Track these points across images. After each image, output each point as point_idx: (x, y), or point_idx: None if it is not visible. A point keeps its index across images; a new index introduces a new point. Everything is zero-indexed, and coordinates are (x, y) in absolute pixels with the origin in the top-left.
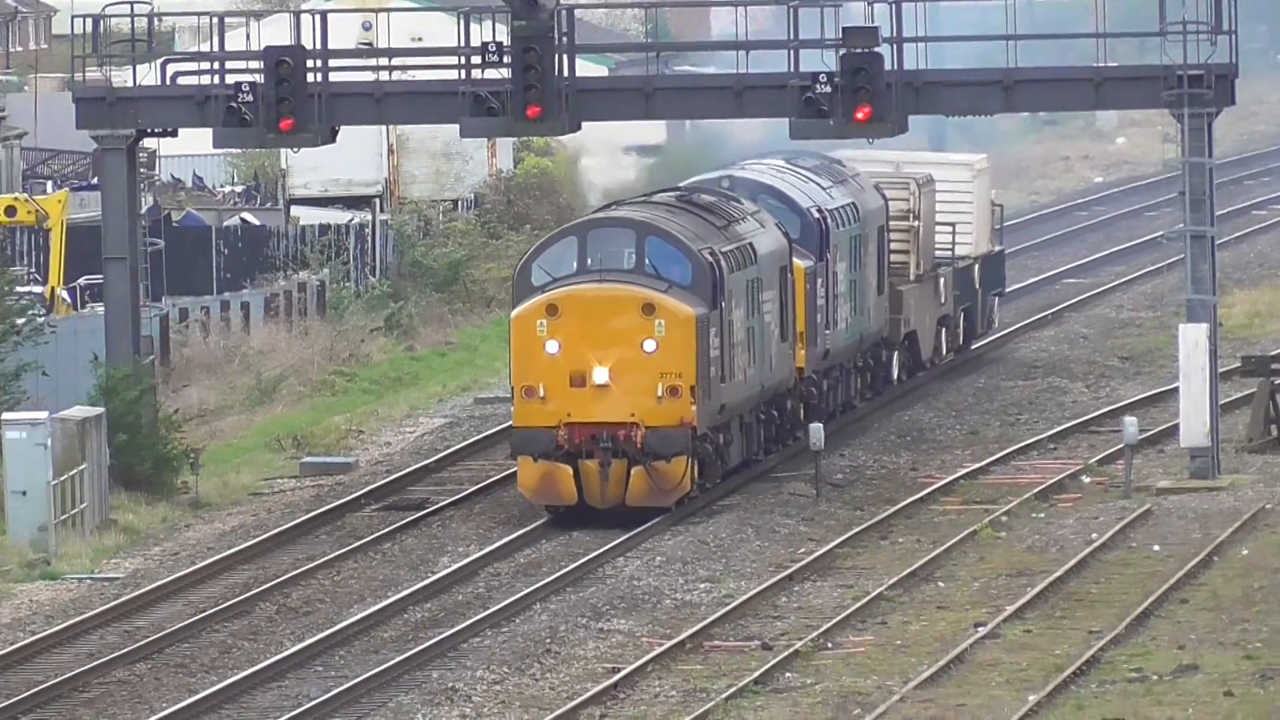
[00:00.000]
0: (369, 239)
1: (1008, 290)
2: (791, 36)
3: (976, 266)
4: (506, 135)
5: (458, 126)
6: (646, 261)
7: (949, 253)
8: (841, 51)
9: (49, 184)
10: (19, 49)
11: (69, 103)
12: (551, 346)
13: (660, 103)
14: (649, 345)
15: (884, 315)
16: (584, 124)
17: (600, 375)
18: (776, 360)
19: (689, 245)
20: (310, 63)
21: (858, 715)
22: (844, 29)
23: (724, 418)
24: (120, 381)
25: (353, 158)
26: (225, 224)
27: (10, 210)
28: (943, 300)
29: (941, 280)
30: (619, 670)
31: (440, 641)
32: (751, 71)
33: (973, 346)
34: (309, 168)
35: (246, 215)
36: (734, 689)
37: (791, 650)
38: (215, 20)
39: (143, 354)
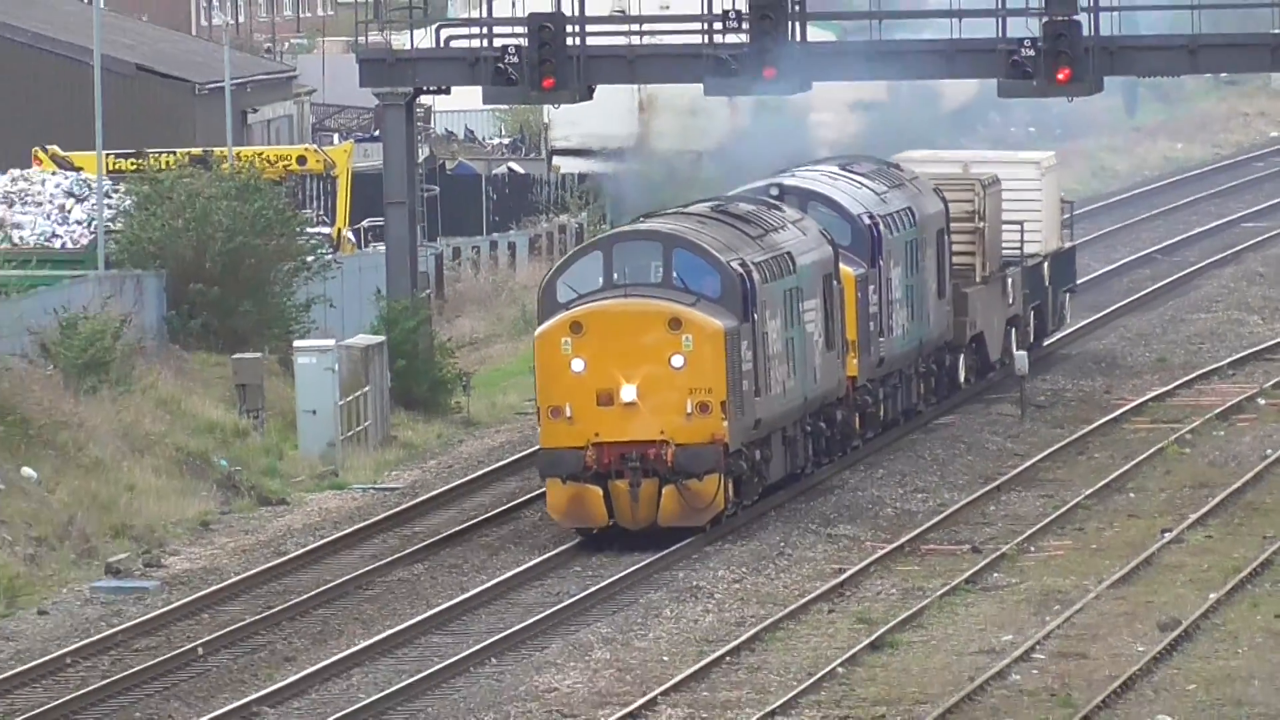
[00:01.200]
0: (621, 184)
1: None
2: (999, 4)
3: (1046, 264)
4: (745, 94)
5: (701, 86)
6: (674, 275)
7: (1017, 252)
8: (1044, 19)
9: (335, 136)
10: (308, 15)
11: (353, 64)
12: (577, 365)
13: (882, 65)
14: (677, 361)
15: (946, 319)
16: (814, 84)
17: (628, 393)
18: (822, 371)
19: (717, 257)
20: (570, 28)
21: (1057, 611)
22: (1043, 3)
23: (760, 432)
24: (400, 313)
25: (608, 113)
26: (494, 172)
27: (301, 160)
28: (1011, 300)
29: (1009, 280)
30: (844, 570)
31: (687, 545)
32: (964, 37)
33: (1044, 344)
34: (569, 122)
35: (513, 164)
36: (947, 587)
37: (998, 553)
38: None
39: (419, 288)
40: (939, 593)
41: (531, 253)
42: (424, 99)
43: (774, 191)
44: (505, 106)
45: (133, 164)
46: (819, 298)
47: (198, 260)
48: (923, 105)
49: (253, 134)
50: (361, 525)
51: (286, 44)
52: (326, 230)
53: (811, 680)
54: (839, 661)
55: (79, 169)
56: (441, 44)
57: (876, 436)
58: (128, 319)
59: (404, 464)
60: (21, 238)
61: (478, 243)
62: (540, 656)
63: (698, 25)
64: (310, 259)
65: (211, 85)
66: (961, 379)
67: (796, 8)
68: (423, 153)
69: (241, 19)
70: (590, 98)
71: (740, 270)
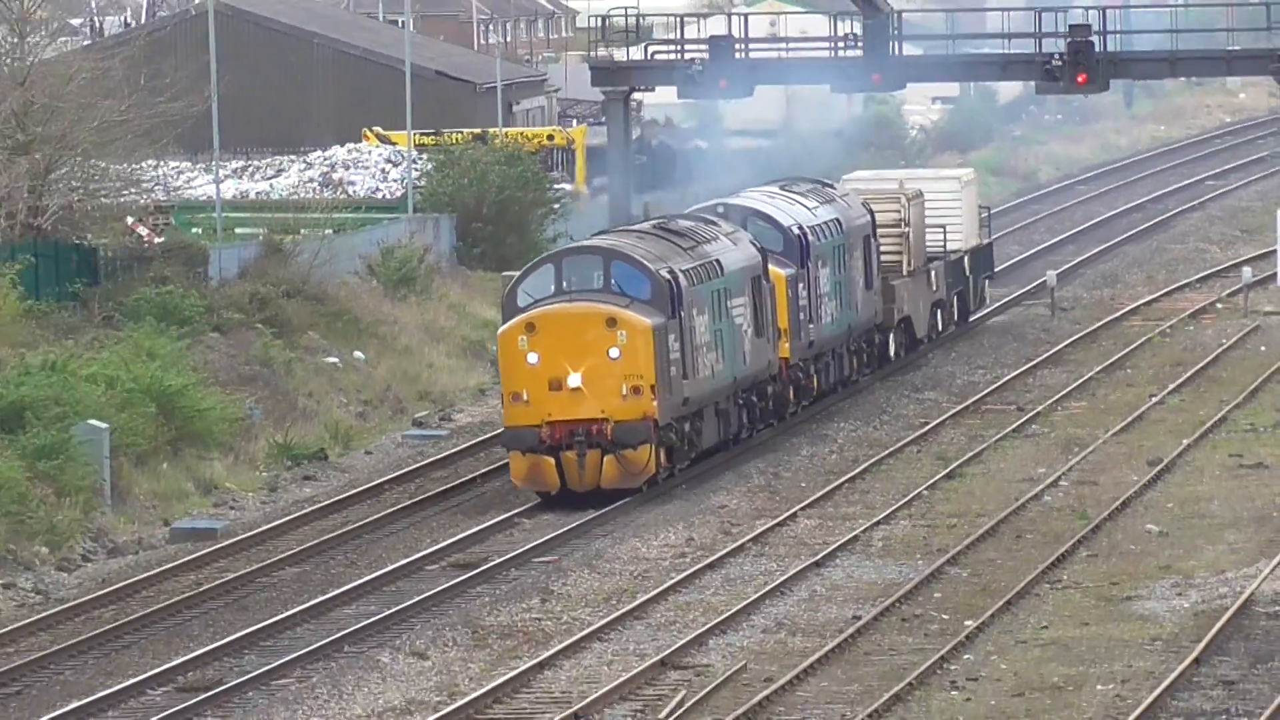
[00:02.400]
0: (768, 156)
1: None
2: (1037, 30)
3: (966, 258)
4: (859, 92)
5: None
6: (612, 282)
7: (941, 249)
8: (1068, 40)
9: (574, 121)
10: (555, 36)
11: (586, 70)
12: (532, 358)
13: (954, 71)
14: (613, 353)
15: (874, 306)
16: (909, 84)
17: (574, 380)
18: (751, 355)
19: (648, 266)
20: (737, 46)
21: (1076, 452)
22: (1070, 25)
23: (689, 409)
24: None
25: (764, 104)
26: (685, 147)
27: (550, 137)
28: (935, 288)
29: (933, 272)
30: (928, 423)
31: (813, 403)
32: (1012, 51)
33: (970, 320)
34: (733, 112)
35: (699, 142)
36: (999, 435)
37: (1035, 411)
38: (678, 18)
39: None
40: (993, 439)
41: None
42: (636, 95)
43: (720, 209)
44: (692, 100)
45: (432, 140)
46: (747, 296)
47: (477, 207)
48: (983, 99)
49: (516, 119)
50: None
51: (540, 56)
52: (569, 186)
53: (904, 500)
54: (923, 487)
55: (395, 143)
56: (648, 57)
57: (812, 403)
58: (428, 248)
59: None
60: (354, 191)
61: (674, 196)
62: (716, 483)
63: (826, 44)
64: (556, 206)
65: (487, 85)
66: (892, 353)
67: (895, 31)
68: (635, 133)
69: (509, 39)
70: (752, 94)
71: (668, 277)
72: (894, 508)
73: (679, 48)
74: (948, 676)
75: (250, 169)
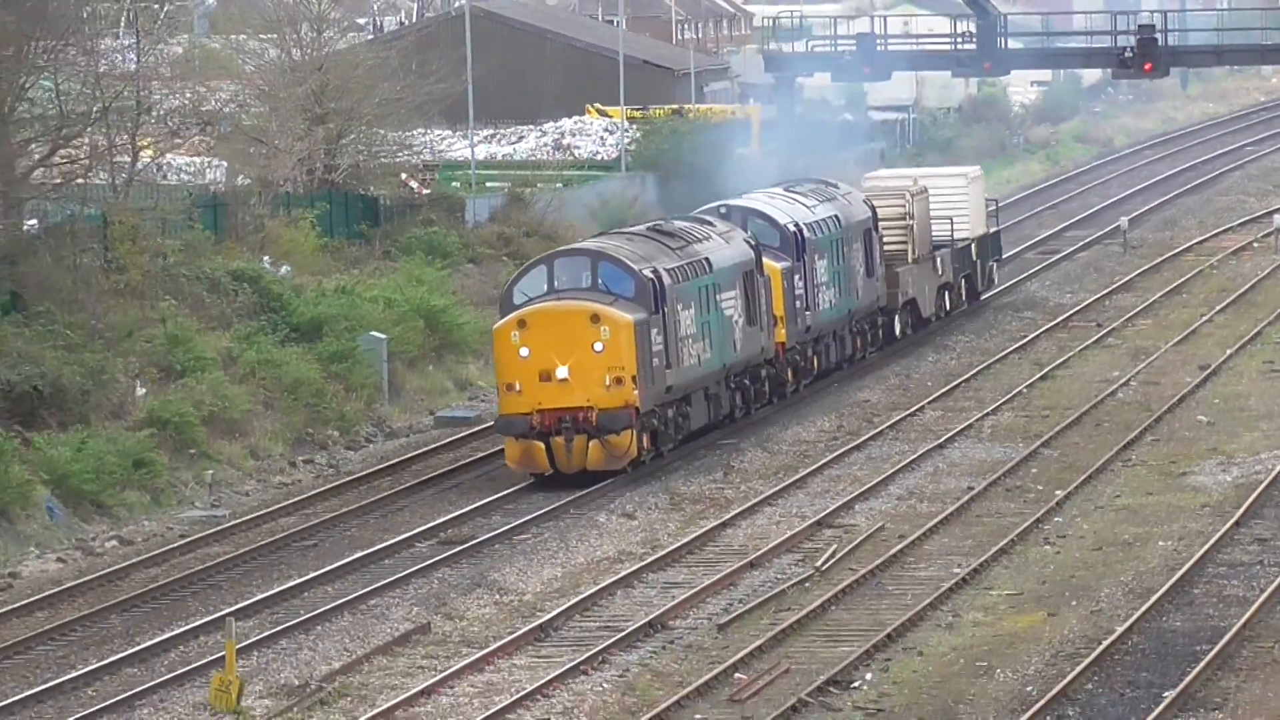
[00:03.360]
0: (907, 127)
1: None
2: (1113, 28)
3: (973, 246)
4: (975, 76)
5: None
6: (599, 281)
7: (948, 237)
8: (1137, 36)
9: (750, 99)
10: (736, 33)
11: (761, 60)
12: (524, 351)
13: (1048, 60)
14: (598, 346)
15: (875, 291)
16: (1012, 71)
17: (562, 372)
18: (743, 342)
19: (632, 266)
20: (879, 43)
21: (1143, 359)
22: (1139, 25)
23: (674, 395)
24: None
25: (898, 86)
26: (837, 120)
27: (733, 113)
28: (941, 273)
29: (939, 259)
30: (1026, 336)
31: (814, 380)
32: (1093, 45)
33: (981, 298)
34: (876, 90)
35: (847, 115)
36: (1083, 345)
37: (1111, 327)
38: (832, 19)
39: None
40: (1078, 348)
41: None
42: (799, 79)
43: (723, 210)
44: (842, 83)
45: (640, 114)
46: (738, 289)
47: (676, 167)
48: (1070, 82)
49: (706, 98)
50: None
51: (725, 49)
52: (744, 150)
53: (1008, 396)
54: (1023, 386)
55: (611, 116)
56: (809, 49)
57: (814, 380)
58: (636, 198)
59: None
60: (579, 154)
61: (827, 159)
62: (860, 382)
63: (948, 38)
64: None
65: (683, 71)
66: (898, 332)
67: (1002, 29)
68: (797, 109)
69: (700, 35)
70: (889, 79)
71: (651, 275)
72: (999, 402)
73: (833, 42)
74: (1041, 535)
75: (497, 136)
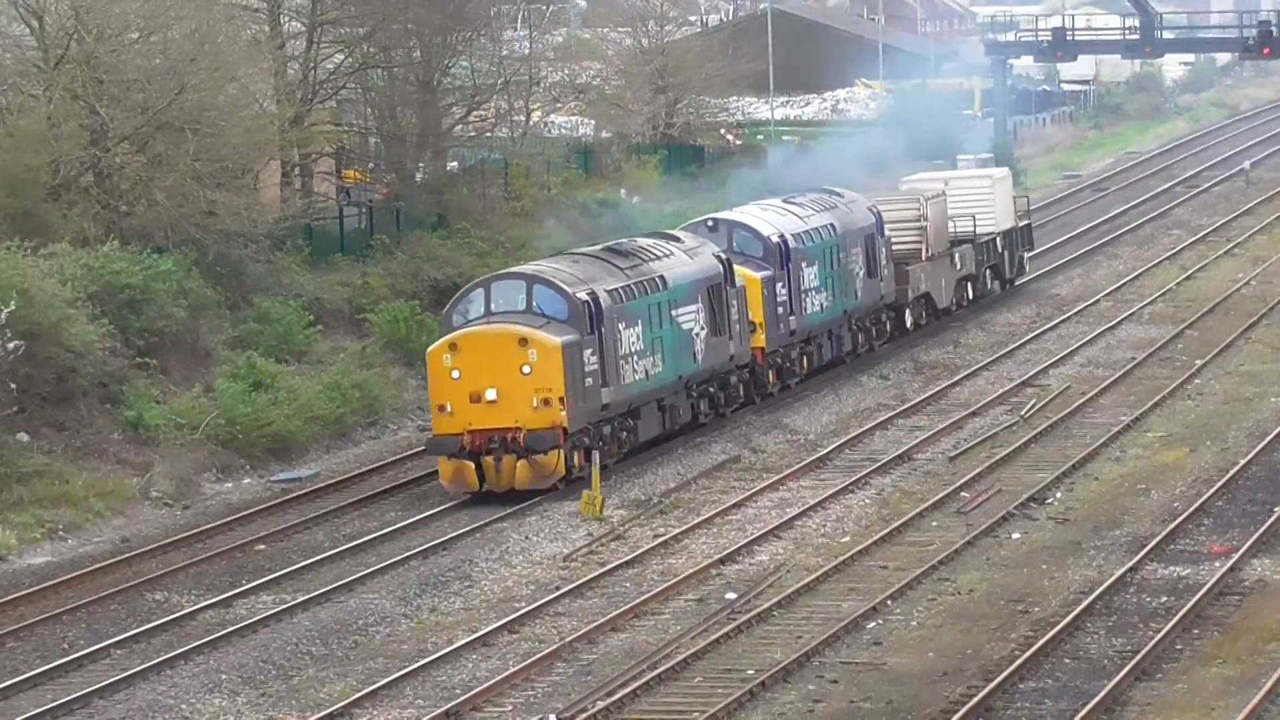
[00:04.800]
0: (1088, 96)
1: None
2: (1240, 23)
3: (998, 239)
4: (1138, 58)
5: (1119, 55)
6: (534, 304)
7: (971, 233)
8: (1257, 28)
9: (973, 75)
10: (962, 27)
11: (981, 46)
12: (455, 374)
13: (1193, 45)
14: (525, 369)
15: (878, 291)
16: (1165, 54)
17: (491, 394)
18: (705, 353)
19: (566, 289)
20: (1067, 32)
21: (1260, 264)
22: (1259, 20)
23: (612, 412)
24: (1002, 145)
25: (1082, 64)
26: (1036, 90)
27: (960, 84)
28: (960, 267)
29: (957, 254)
30: (1174, 248)
31: (808, 377)
32: (1225, 35)
33: (1015, 284)
34: (1066, 68)
35: (1045, 86)
36: (1216, 254)
37: (1237, 241)
38: (1034, 16)
39: (1007, 141)
40: (1212, 256)
41: (1054, 121)
42: (1010, 60)
43: (710, 223)
44: (1041, 64)
45: (891, 87)
46: (699, 303)
47: (919, 124)
48: (1208, 62)
49: (941, 74)
50: None
51: (956, 39)
52: (970, 112)
53: (1161, 291)
54: (1172, 283)
55: (873, 88)
56: (1016, 38)
57: (806, 378)
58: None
59: None
60: (849, 115)
61: (1029, 118)
62: (1052, 280)
63: (1119, 30)
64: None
65: (925, 55)
66: (910, 324)
67: (1158, 23)
68: (1009, 82)
69: (937, 28)
70: (1076, 59)
71: (586, 298)
72: (1154, 296)
73: (1035, 33)
74: (1184, 392)
75: (790, 101)
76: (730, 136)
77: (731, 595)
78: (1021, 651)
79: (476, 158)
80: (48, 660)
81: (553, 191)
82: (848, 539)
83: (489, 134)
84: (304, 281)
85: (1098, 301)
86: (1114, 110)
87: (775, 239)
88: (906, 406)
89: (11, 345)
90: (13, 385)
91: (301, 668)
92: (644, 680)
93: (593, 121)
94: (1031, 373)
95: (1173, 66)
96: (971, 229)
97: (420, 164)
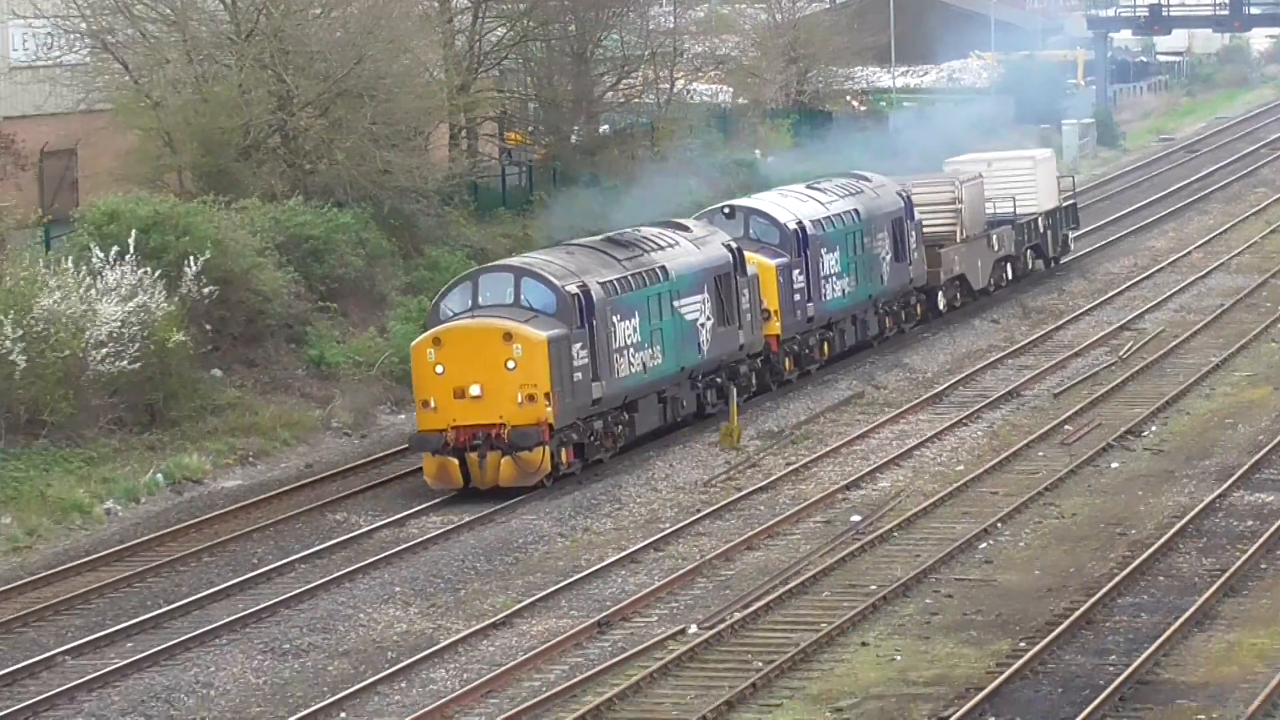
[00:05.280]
0: (1181, 67)
1: None
2: None
3: (1039, 220)
4: (1228, 31)
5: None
6: (522, 297)
7: (1011, 214)
8: None
9: (1078, 47)
10: (1066, 3)
11: (1084, 21)
12: (439, 369)
13: (1277, 20)
14: (510, 365)
15: (906, 275)
16: (1254, 28)
17: (475, 389)
18: (712, 343)
19: (554, 282)
20: (1163, 9)
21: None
22: None
23: (605, 406)
24: (1102, 111)
25: (1176, 39)
26: (1133, 61)
27: (1065, 57)
28: (998, 248)
29: (995, 235)
30: (1259, 205)
31: (828, 364)
32: None
33: (1062, 261)
34: (1161, 41)
35: (1142, 57)
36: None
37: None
38: None
39: (1107, 106)
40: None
41: (1150, 90)
42: (1110, 34)
43: (726, 210)
44: (1138, 36)
45: (1001, 57)
46: (705, 293)
47: (1026, 91)
48: None
49: (1048, 46)
50: None
51: (1058, 15)
52: (1073, 80)
53: (1248, 244)
54: (1257, 236)
55: (986, 59)
56: (1115, 14)
57: (827, 363)
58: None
59: None
60: (963, 83)
61: (1130, 86)
62: (1147, 234)
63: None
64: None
65: (1034, 29)
66: (942, 306)
67: (1246, 1)
68: (1108, 53)
69: (1043, 3)
70: (1170, 34)
71: (576, 290)
72: (1242, 248)
73: (1133, 9)
74: (1269, 335)
75: (910, 71)
76: (855, 103)
77: (856, 518)
78: (1119, 570)
79: (625, 122)
80: (239, 574)
81: (694, 152)
82: (961, 467)
83: (636, 100)
84: (469, 233)
85: (1189, 253)
86: (1205, 79)
87: (792, 226)
88: (1015, 347)
89: (207, 290)
90: (208, 326)
91: (467, 581)
92: (776, 594)
93: (731, 89)
94: (1129, 317)
95: (1259, 39)
96: (1012, 210)
97: (575, 127)
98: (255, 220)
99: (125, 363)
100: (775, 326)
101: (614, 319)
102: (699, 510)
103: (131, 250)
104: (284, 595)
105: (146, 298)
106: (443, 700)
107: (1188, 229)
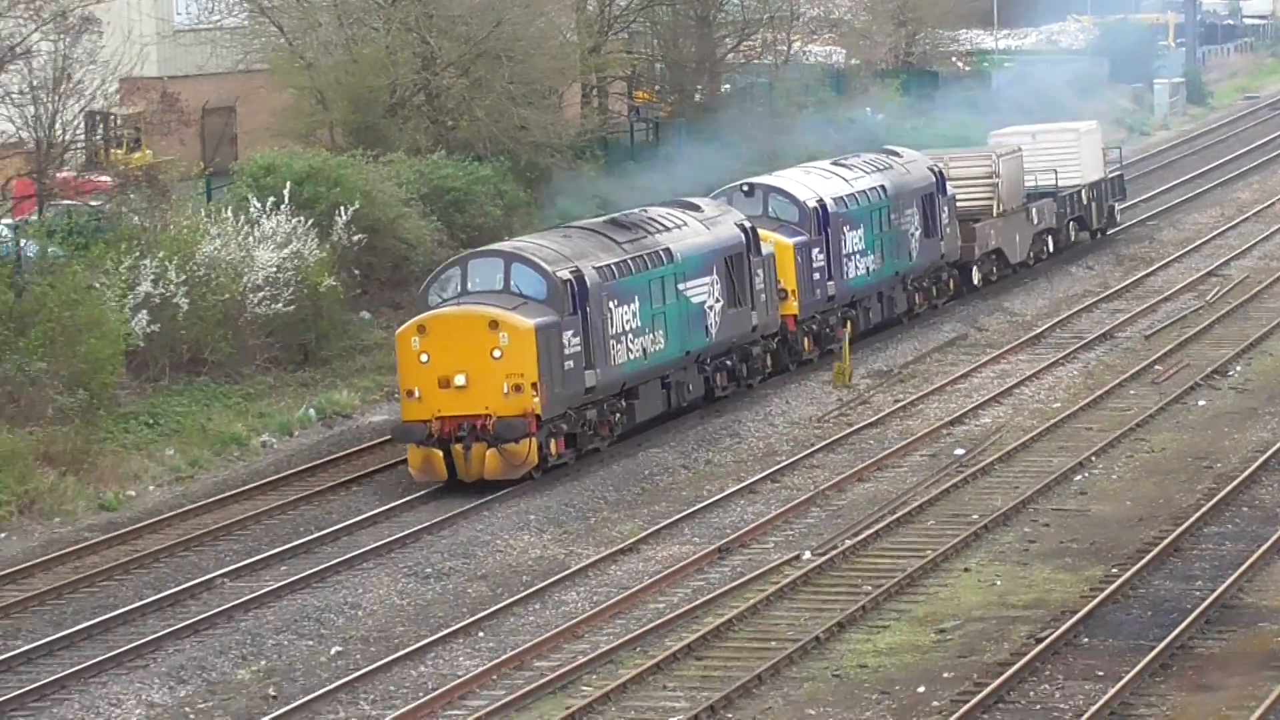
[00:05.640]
0: (1265, 30)
1: None
2: None
3: (1083, 192)
4: None
5: None
6: (512, 283)
7: (1053, 187)
8: None
9: (1168, 11)
10: None
11: None
12: (424, 358)
13: None
14: (496, 354)
15: (938, 250)
16: None
17: (460, 379)
18: (721, 326)
19: (545, 267)
20: None
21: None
22: None
23: (599, 395)
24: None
25: (1261, 2)
26: (1221, 24)
27: (1158, 20)
28: (1038, 221)
29: (1034, 209)
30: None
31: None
32: None
33: (1106, 233)
34: (1250, 5)
35: (1229, 20)
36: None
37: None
38: None
39: (1195, 67)
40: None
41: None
42: None
43: (745, 188)
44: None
45: (1091, 20)
46: (714, 274)
47: (1121, 52)
48: None
49: (1139, 9)
50: None
51: None
52: (1164, 41)
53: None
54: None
55: (1083, 22)
56: None
57: (852, 342)
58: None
59: None
60: (1059, 45)
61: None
62: (1233, 186)
63: None
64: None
65: None
66: (977, 280)
67: None
68: (1198, 16)
69: None
70: None
71: (569, 276)
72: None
73: None
74: None
75: (1010, 34)
76: (960, 63)
77: (959, 451)
78: (1206, 500)
79: (745, 81)
80: (385, 502)
81: (809, 109)
82: (1058, 404)
83: (756, 61)
84: (600, 185)
85: (1273, 204)
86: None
87: (813, 204)
88: (1108, 292)
89: (356, 238)
90: (356, 271)
91: (597, 510)
92: (885, 523)
93: (843, 50)
94: (1216, 264)
95: None
96: (1054, 182)
97: (698, 86)
98: (401, 173)
99: (280, 305)
100: (793, 306)
101: (611, 304)
102: (813, 444)
103: (286, 201)
104: (426, 523)
105: (300, 245)
106: (574, 621)
107: (1271, 181)
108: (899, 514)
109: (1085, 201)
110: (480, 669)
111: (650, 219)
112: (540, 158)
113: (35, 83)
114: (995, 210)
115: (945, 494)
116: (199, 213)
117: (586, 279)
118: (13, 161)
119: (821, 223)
